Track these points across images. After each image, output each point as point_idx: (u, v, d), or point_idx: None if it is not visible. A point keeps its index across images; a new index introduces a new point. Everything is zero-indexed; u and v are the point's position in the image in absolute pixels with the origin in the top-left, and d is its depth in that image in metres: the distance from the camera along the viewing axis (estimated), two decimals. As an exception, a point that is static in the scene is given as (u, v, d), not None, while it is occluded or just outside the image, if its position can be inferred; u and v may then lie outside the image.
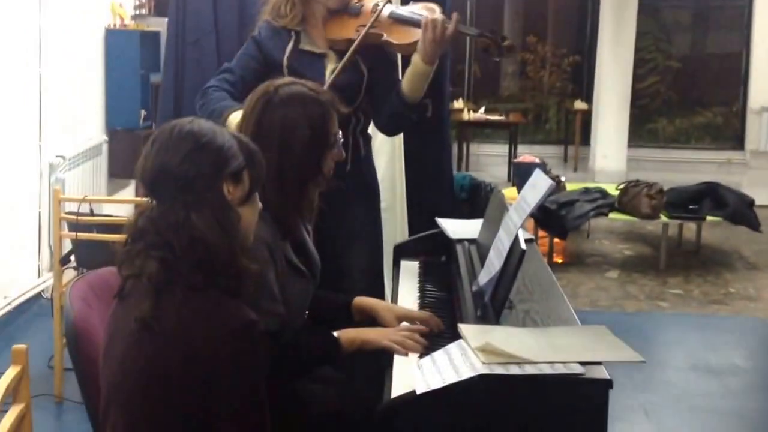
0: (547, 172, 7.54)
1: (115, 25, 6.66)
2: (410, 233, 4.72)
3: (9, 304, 5.26)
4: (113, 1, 6.66)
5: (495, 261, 2.56)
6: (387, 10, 3.43)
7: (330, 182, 2.68)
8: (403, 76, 3.46)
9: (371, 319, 2.76)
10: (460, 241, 3.27)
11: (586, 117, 11.57)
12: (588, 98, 11.69)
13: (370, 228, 3.60)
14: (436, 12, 3.40)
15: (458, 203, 6.46)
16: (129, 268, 2.04)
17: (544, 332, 2.36)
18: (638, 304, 6.51)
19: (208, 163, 2.03)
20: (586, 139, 11.60)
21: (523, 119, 11.54)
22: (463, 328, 2.31)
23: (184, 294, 1.96)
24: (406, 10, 3.48)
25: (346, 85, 3.29)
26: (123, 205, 6.12)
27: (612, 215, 7.46)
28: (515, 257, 2.43)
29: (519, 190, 7.45)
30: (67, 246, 4.38)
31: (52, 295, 4.33)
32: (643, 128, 12.38)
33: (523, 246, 2.41)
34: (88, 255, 4.26)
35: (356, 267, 3.44)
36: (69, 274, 4.45)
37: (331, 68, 3.41)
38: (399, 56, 3.76)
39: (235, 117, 3.15)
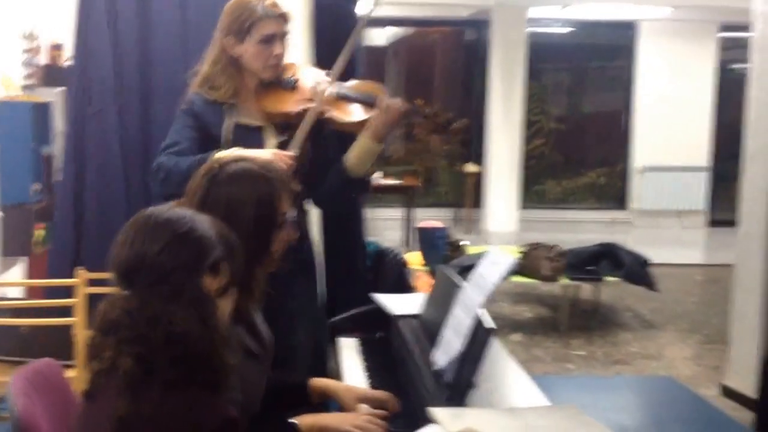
0: (448, 236, 7.56)
1: (4, 97, 6.44)
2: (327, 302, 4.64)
3: None
4: (2, 73, 6.45)
5: (453, 340, 2.50)
6: (333, 89, 3.42)
7: (278, 264, 2.59)
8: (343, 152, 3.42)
9: (324, 402, 2.69)
10: (402, 317, 3.19)
11: (477, 179, 11.69)
12: (478, 161, 11.82)
13: (310, 305, 3.55)
14: (382, 90, 3.42)
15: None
16: (99, 363, 1.91)
17: (517, 413, 2.29)
18: (545, 366, 6.54)
19: (187, 254, 1.95)
20: (477, 202, 11.71)
21: (417, 183, 11.58)
22: (435, 411, 2.22)
23: (162, 392, 1.85)
24: (350, 89, 3.47)
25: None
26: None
27: (513, 278, 7.47)
28: (481, 336, 2.38)
29: (423, 255, 7.48)
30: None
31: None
32: (531, 190, 12.58)
33: (491, 324, 2.34)
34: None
35: (300, 345, 3.36)
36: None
37: (273, 142, 3.36)
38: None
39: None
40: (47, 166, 6.47)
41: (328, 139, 3.52)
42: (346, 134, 3.47)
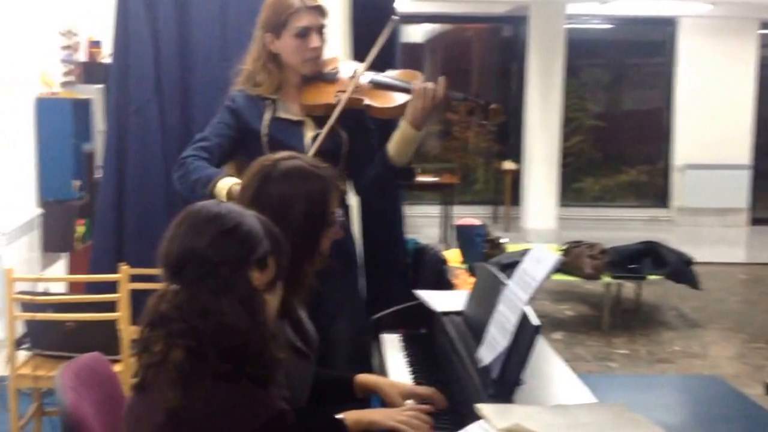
0: (486, 233, 7.52)
1: (45, 93, 6.48)
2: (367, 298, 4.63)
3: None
4: (42, 70, 6.48)
5: (498, 337, 2.48)
6: (367, 77, 3.42)
7: (325, 261, 2.59)
8: (386, 141, 3.40)
9: (370, 397, 2.70)
10: (446, 314, 3.16)
11: (515, 177, 11.64)
12: (516, 158, 11.76)
13: (351, 300, 3.53)
14: (419, 78, 3.39)
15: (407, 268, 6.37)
16: (149, 356, 1.94)
17: (565, 410, 2.27)
18: (588, 365, 6.48)
19: (235, 248, 1.97)
20: (515, 199, 11.66)
21: (456, 180, 11.54)
22: (483, 407, 2.20)
23: (213, 384, 1.88)
24: (386, 76, 3.47)
25: (326, 152, 3.23)
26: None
27: (554, 276, 7.40)
28: (527, 334, 2.36)
29: (462, 252, 7.44)
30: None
31: (3, 378, 4.13)
32: (570, 187, 12.51)
33: (536, 322, 2.33)
34: (41, 336, 4.11)
35: (340, 340, 3.34)
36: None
37: (310, 135, 3.38)
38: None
39: (225, 184, 3.13)
40: (88, 163, 6.51)
41: (369, 128, 3.51)
42: (387, 122, 3.46)
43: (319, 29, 3.41)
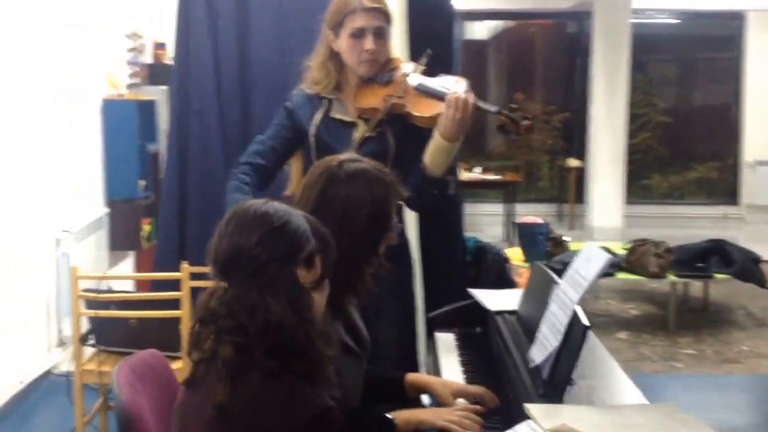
0: (549, 231, 7.49)
1: (111, 95, 6.59)
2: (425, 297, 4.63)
3: (21, 382, 5.18)
4: (109, 72, 6.60)
5: (550, 337, 2.48)
6: (414, 81, 3.38)
7: (384, 265, 2.59)
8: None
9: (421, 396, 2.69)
10: (499, 313, 3.17)
11: (580, 174, 11.55)
12: (580, 155, 11.68)
13: (404, 301, 3.52)
14: (462, 86, 3.32)
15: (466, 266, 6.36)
16: (200, 353, 1.99)
17: (614, 410, 2.27)
18: (653, 365, 6.43)
19: (282, 246, 2.00)
20: (579, 197, 11.57)
21: (518, 178, 11.50)
22: (531, 407, 2.21)
23: (260, 380, 1.91)
24: (433, 82, 3.40)
25: (371, 155, 3.18)
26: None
27: (619, 275, 7.37)
28: (577, 334, 2.35)
29: (524, 251, 7.43)
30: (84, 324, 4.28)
31: (66, 373, 4.22)
32: (637, 184, 12.39)
33: (586, 322, 2.33)
34: (106, 333, 4.19)
35: (389, 341, 3.31)
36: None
37: (359, 138, 3.36)
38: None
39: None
40: (154, 163, 6.62)
41: (420, 134, 3.40)
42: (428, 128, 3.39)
43: (377, 31, 3.35)
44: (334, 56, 3.43)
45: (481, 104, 3.30)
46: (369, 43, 3.34)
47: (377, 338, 3.28)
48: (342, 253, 2.37)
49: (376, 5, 3.36)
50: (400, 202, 3.03)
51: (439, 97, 3.32)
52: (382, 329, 3.33)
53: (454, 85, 3.35)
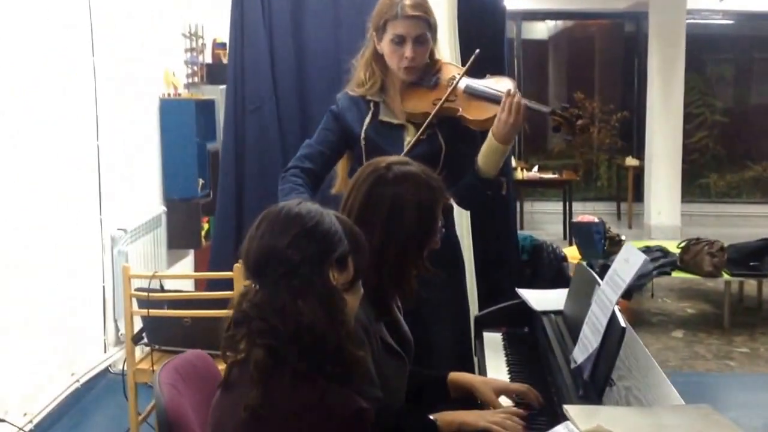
0: (606, 230, 7.48)
1: (169, 94, 6.68)
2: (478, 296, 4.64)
3: (77, 380, 5.24)
4: (167, 71, 6.69)
5: (591, 338, 2.50)
6: (462, 84, 3.40)
7: (428, 268, 2.61)
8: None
9: (467, 395, 2.70)
10: (545, 313, 3.19)
11: (638, 173, 11.50)
12: (639, 154, 11.63)
13: (456, 302, 3.54)
14: (511, 87, 3.34)
15: (521, 265, 6.37)
16: (233, 355, 2.00)
17: (650, 412, 2.29)
18: (707, 364, 6.41)
19: (314, 248, 1.98)
20: (637, 196, 11.52)
21: (576, 177, 11.47)
22: (569, 409, 2.24)
23: (292, 382, 1.91)
24: (481, 85, 3.43)
25: (423, 157, 3.18)
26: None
27: (674, 274, 7.35)
28: (615, 335, 2.37)
29: (579, 249, 7.43)
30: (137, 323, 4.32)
31: (123, 372, 4.27)
32: (694, 183, 12.33)
33: (623, 324, 2.35)
34: (159, 332, 4.22)
35: (441, 339, 3.35)
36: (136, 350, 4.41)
37: (409, 140, 3.37)
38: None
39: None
40: (213, 162, 6.68)
41: (472, 136, 3.45)
42: (480, 131, 3.43)
43: (418, 39, 3.36)
44: (379, 58, 3.45)
45: (532, 105, 3.32)
46: (408, 50, 3.35)
47: (439, 344, 3.33)
48: (386, 254, 2.42)
49: (418, 13, 3.35)
50: (452, 203, 3.06)
51: (490, 99, 3.35)
52: (442, 334, 3.37)
53: (503, 87, 3.36)
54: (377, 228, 2.29)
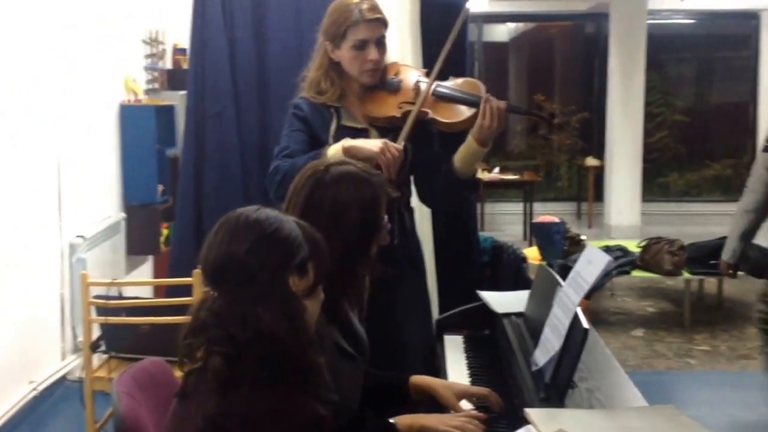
0: (566, 231, 7.51)
1: (129, 100, 6.63)
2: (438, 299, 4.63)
3: (35, 389, 5.17)
4: (127, 77, 6.64)
5: (553, 339, 2.49)
6: (435, 89, 3.39)
7: (378, 268, 2.60)
8: (450, 149, 3.40)
9: (429, 398, 2.68)
10: (507, 315, 3.19)
11: (598, 173, 11.56)
12: (599, 155, 11.69)
13: (420, 302, 3.55)
14: (481, 90, 3.37)
15: (481, 266, 6.37)
16: (190, 364, 1.96)
17: (614, 414, 2.27)
18: (667, 362, 6.45)
19: (274, 254, 1.96)
20: (598, 196, 11.58)
21: (537, 177, 11.51)
22: (530, 412, 2.23)
23: (251, 390, 1.87)
24: (450, 87, 3.43)
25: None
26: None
27: (634, 273, 7.40)
28: (578, 337, 2.36)
29: (539, 250, 7.44)
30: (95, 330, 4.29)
31: (80, 380, 4.23)
32: (654, 183, 12.41)
33: (586, 325, 2.34)
34: (117, 339, 4.19)
35: (411, 343, 3.36)
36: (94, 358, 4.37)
37: None
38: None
39: (335, 147, 3.21)
40: (173, 168, 6.63)
41: (431, 138, 3.47)
42: (450, 134, 3.44)
43: (378, 41, 3.39)
44: (336, 65, 3.44)
45: (511, 106, 3.34)
46: (373, 53, 3.37)
47: (405, 344, 3.34)
48: (333, 257, 2.39)
49: (377, 15, 3.38)
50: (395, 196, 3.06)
51: (461, 101, 3.37)
52: (409, 335, 3.38)
53: (474, 89, 3.39)
54: (320, 231, 2.26)
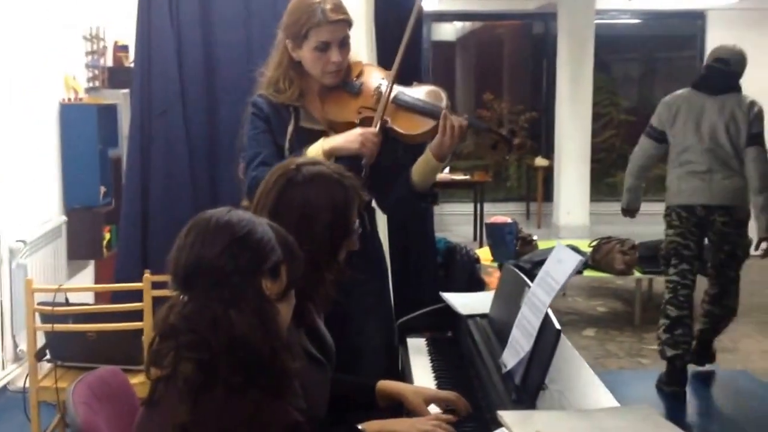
0: (518, 231, 7.48)
1: (69, 99, 6.45)
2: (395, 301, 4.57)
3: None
4: (67, 75, 6.47)
5: (522, 341, 2.43)
6: (396, 96, 3.29)
7: (345, 271, 2.53)
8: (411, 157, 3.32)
9: (396, 403, 2.62)
10: (471, 316, 3.12)
11: (547, 173, 11.59)
12: (548, 155, 11.71)
13: (381, 304, 3.47)
14: (443, 100, 3.27)
15: (437, 268, 6.32)
16: (159, 370, 1.89)
17: (590, 415, 2.21)
18: (619, 361, 6.47)
19: (246, 257, 1.91)
20: (547, 196, 11.61)
21: (487, 178, 11.48)
22: (504, 415, 2.15)
23: (224, 396, 1.82)
24: (412, 96, 3.32)
25: (347, 165, 3.10)
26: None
27: (586, 272, 7.39)
28: (549, 338, 2.30)
29: (492, 251, 7.40)
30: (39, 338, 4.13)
31: (23, 390, 4.07)
32: (602, 182, 12.46)
33: (557, 326, 2.28)
34: (63, 347, 4.03)
35: (371, 346, 3.28)
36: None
37: None
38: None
39: (315, 147, 3.14)
40: (116, 169, 6.47)
41: (393, 144, 3.34)
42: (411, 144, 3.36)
43: (342, 42, 3.28)
44: (296, 65, 3.33)
45: (472, 123, 3.24)
46: (335, 55, 3.26)
47: (364, 348, 3.25)
48: None
49: (341, 16, 3.26)
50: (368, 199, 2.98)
51: (422, 112, 3.26)
52: (368, 338, 3.29)
53: (437, 100, 3.29)
54: (289, 233, 2.17)
